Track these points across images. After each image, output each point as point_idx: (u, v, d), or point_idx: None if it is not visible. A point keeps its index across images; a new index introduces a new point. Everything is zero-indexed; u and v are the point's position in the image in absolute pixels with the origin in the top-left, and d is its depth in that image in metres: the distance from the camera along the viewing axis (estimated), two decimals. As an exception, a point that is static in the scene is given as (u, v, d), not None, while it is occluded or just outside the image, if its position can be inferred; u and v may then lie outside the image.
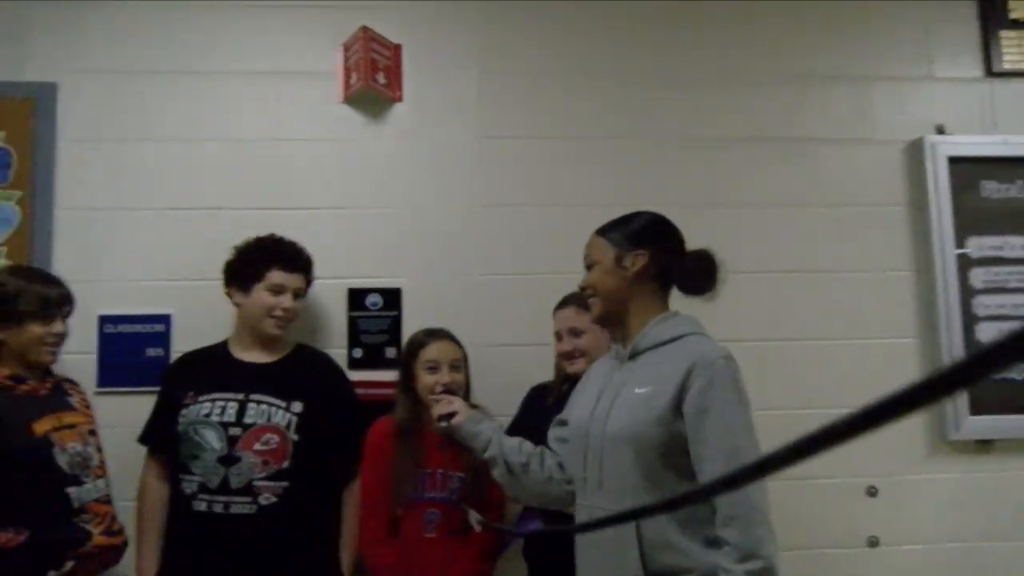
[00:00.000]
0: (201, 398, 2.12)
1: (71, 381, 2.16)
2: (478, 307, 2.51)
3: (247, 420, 2.08)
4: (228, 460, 2.04)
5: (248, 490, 2.03)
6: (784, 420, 2.50)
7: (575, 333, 2.14)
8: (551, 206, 2.55)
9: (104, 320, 2.44)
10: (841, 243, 2.65)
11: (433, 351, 2.16)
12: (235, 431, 2.06)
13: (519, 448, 1.73)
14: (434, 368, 2.14)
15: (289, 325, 2.22)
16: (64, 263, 2.43)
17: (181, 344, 2.40)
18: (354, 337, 2.50)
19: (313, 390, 2.17)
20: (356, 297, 2.50)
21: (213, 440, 2.06)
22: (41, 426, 1.91)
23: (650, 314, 1.61)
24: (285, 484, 2.06)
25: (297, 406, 2.12)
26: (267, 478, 2.05)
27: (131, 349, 2.44)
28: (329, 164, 2.53)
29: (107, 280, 2.46)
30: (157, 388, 2.33)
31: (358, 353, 2.50)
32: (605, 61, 2.65)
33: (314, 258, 2.29)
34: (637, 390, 1.53)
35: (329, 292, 2.44)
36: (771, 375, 2.53)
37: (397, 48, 2.58)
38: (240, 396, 2.11)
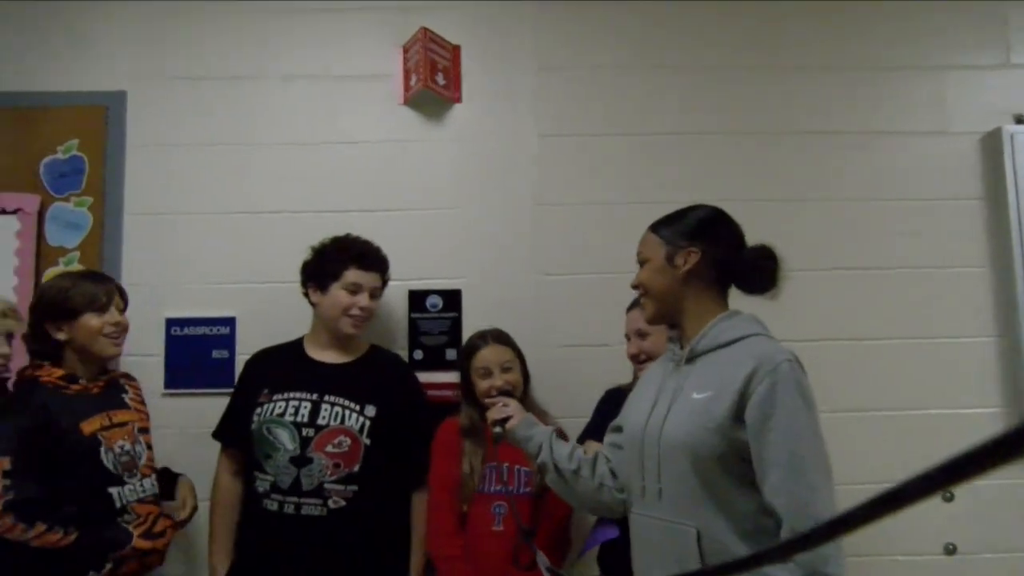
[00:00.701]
0: (275, 397, 2.12)
1: (128, 376, 2.18)
2: (539, 308, 2.49)
3: (320, 421, 2.08)
4: (300, 461, 2.05)
5: (319, 492, 2.04)
6: (851, 424, 2.46)
7: (641, 335, 2.11)
8: (612, 204, 2.51)
9: (171, 323, 2.48)
10: (913, 239, 2.56)
11: (484, 356, 2.16)
12: (308, 432, 2.06)
13: (570, 454, 1.69)
14: (487, 372, 2.15)
15: (366, 325, 2.22)
16: (133, 267, 2.49)
17: (246, 346, 2.43)
18: (414, 339, 2.50)
19: (386, 394, 2.16)
20: (416, 298, 2.50)
21: (286, 440, 2.06)
22: (90, 426, 1.92)
23: (708, 314, 1.54)
24: (355, 488, 2.05)
25: (370, 410, 2.11)
26: (337, 481, 2.05)
27: (197, 351, 2.48)
28: (389, 166, 2.54)
29: (174, 283, 2.50)
30: (223, 389, 2.37)
31: (419, 355, 2.50)
32: (665, 55, 2.61)
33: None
34: (695, 395, 1.46)
35: (390, 293, 2.44)
36: (838, 377, 2.46)
37: (456, 49, 2.57)
38: (314, 396, 2.11)
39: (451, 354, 2.49)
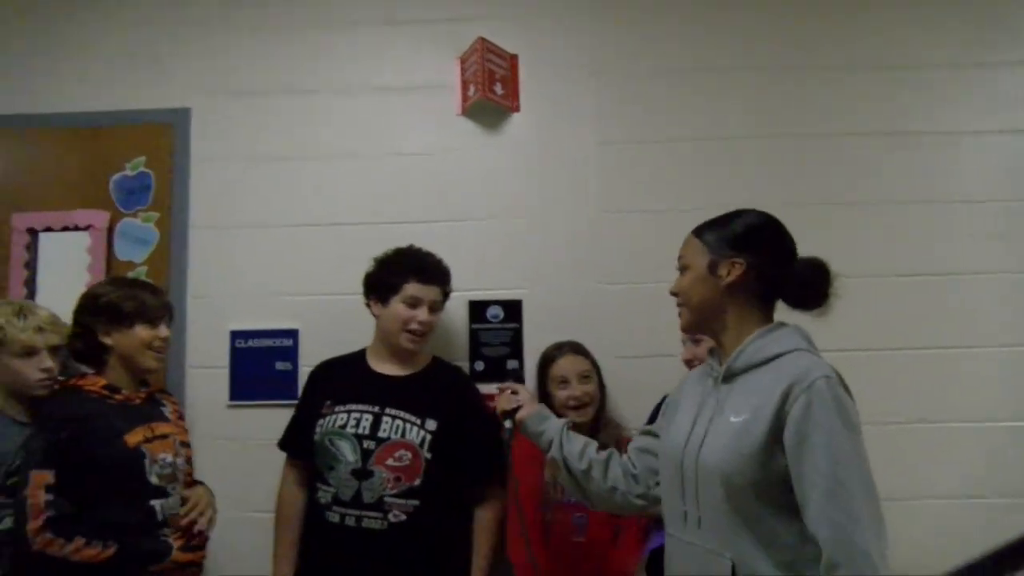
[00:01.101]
0: (337, 408, 2.12)
1: (166, 392, 2.20)
2: (601, 317, 2.45)
3: (381, 434, 2.07)
4: (362, 473, 2.04)
5: (379, 505, 2.02)
6: (901, 435, 2.37)
7: (696, 340, 2.07)
8: (674, 211, 2.46)
9: (235, 335, 2.51)
10: (971, 243, 2.46)
11: (562, 365, 2.19)
12: (369, 444, 2.06)
13: (581, 452, 1.65)
14: (564, 382, 2.14)
15: (425, 340, 2.20)
16: (198, 280, 2.53)
17: (309, 358, 2.44)
18: (475, 350, 2.48)
19: (448, 408, 2.13)
20: (477, 309, 2.49)
21: (348, 452, 2.06)
22: (134, 437, 1.91)
23: (748, 329, 1.43)
24: (416, 503, 2.03)
25: (431, 424, 2.09)
26: (398, 495, 2.03)
27: (261, 363, 2.51)
28: (449, 176, 2.54)
29: (238, 296, 2.53)
30: (286, 401, 2.39)
31: (480, 366, 2.48)
32: (725, 57, 2.55)
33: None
34: (732, 418, 1.36)
35: (450, 304, 2.42)
36: (889, 387, 2.39)
37: (513, 58, 2.56)
38: (375, 409, 2.10)
39: (512, 365, 2.46)
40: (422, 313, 2.15)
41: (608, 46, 2.57)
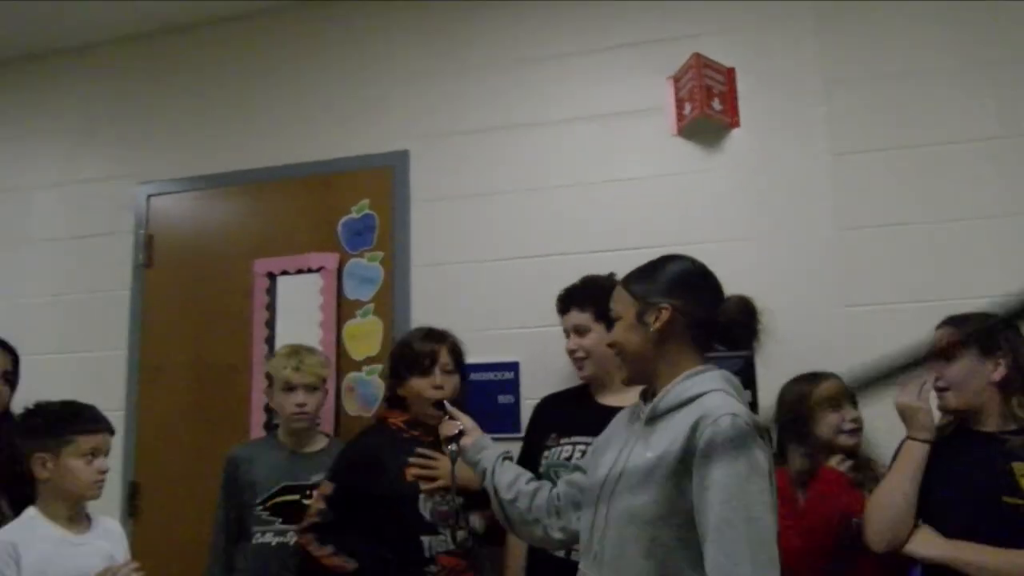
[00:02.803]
0: (563, 441, 2.10)
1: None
2: (844, 343, 2.23)
3: None
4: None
5: None
6: None
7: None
8: (925, 223, 2.21)
9: (458, 369, 2.54)
10: None
11: (826, 388, 2.02)
12: None
13: (511, 482, 1.63)
14: (835, 404, 1.99)
15: (602, 365, 2.10)
16: (420, 316, 2.58)
17: (530, 391, 2.42)
18: (703, 380, 2.35)
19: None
20: (703, 338, 2.35)
21: None
22: (412, 471, 2.01)
23: (679, 373, 1.44)
24: None
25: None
26: None
27: (483, 397, 2.51)
28: (668, 200, 2.44)
29: (459, 331, 2.53)
30: (509, 435, 2.37)
31: (709, 397, 2.34)
32: (973, 52, 2.28)
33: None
34: (648, 454, 1.39)
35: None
36: None
37: (730, 71, 2.43)
38: None
39: (746, 396, 2.29)
40: (571, 341, 2.14)
41: (838, 49, 2.37)
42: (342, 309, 2.67)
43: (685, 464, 1.32)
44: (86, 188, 3.10)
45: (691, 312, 1.47)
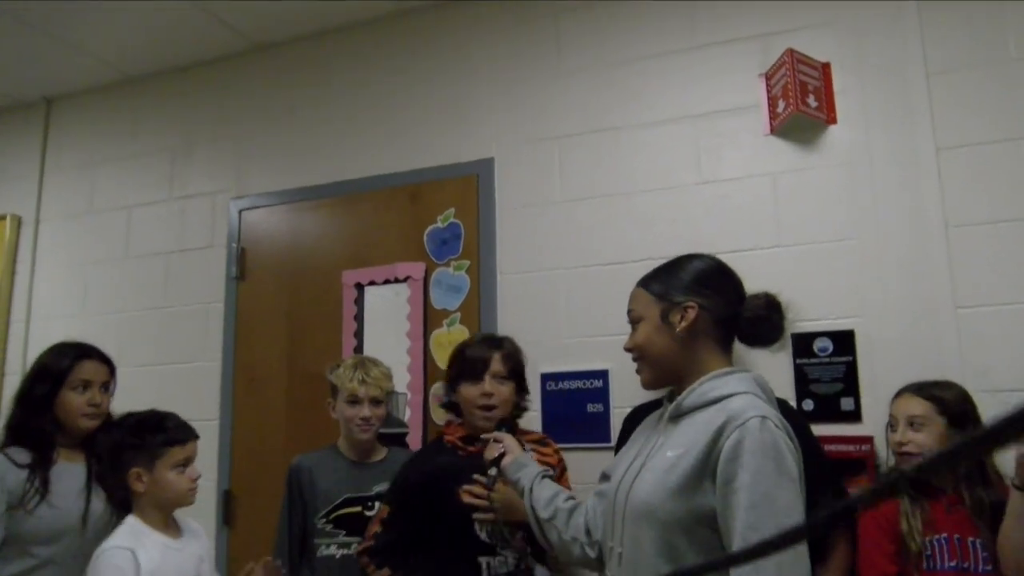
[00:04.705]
0: None
1: (544, 442, 2.16)
2: (954, 346, 2.11)
3: None
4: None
5: None
6: None
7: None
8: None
9: (546, 378, 2.51)
10: None
11: (895, 406, 1.92)
12: None
13: (549, 500, 1.60)
14: (892, 423, 1.91)
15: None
16: (507, 324, 2.56)
17: (620, 399, 2.38)
18: (802, 387, 2.25)
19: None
20: (802, 342, 2.26)
21: None
22: (466, 498, 1.92)
23: (706, 371, 1.42)
24: None
25: None
26: None
27: (572, 405, 2.47)
28: (763, 201, 2.36)
29: (547, 338, 2.53)
30: (598, 444, 2.34)
31: (808, 405, 2.24)
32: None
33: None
34: (668, 453, 1.36)
35: (773, 338, 2.23)
36: None
37: (826, 67, 2.35)
38: None
39: (847, 404, 2.20)
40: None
41: (941, 38, 2.26)
42: (429, 318, 2.68)
43: (706, 466, 1.30)
44: (183, 204, 3.21)
45: (716, 310, 1.45)
